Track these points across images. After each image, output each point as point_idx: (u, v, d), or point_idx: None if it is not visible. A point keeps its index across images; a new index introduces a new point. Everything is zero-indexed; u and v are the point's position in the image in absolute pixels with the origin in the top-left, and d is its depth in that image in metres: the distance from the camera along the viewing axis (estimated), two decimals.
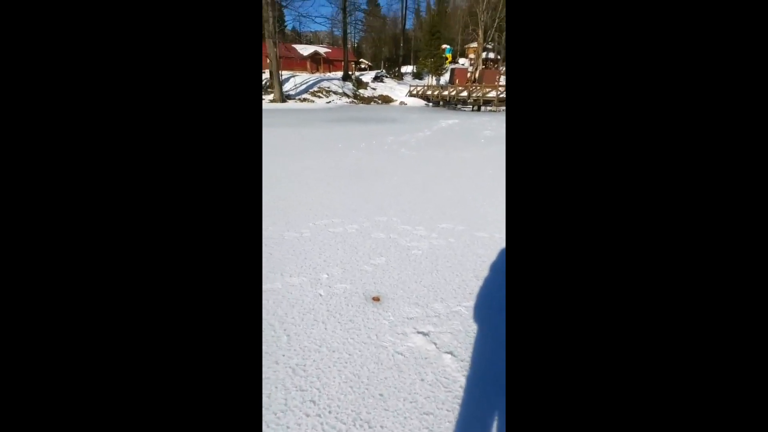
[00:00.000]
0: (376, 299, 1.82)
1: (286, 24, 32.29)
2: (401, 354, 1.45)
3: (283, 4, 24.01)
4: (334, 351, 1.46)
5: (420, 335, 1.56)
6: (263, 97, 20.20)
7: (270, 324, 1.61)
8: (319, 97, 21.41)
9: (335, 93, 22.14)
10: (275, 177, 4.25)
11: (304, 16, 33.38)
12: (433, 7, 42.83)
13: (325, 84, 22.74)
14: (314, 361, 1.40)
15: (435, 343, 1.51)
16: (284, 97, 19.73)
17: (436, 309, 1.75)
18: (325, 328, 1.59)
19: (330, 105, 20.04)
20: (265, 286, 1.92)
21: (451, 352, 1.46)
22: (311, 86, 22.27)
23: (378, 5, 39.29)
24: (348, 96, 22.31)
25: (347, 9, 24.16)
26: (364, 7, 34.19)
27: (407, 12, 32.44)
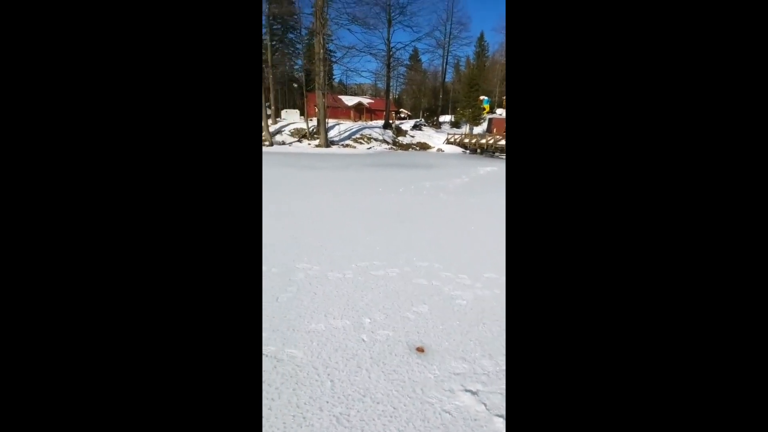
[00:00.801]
0: (420, 350, 1.76)
1: (334, 77, 35.27)
2: (449, 413, 1.37)
3: (333, 59, 26.40)
4: (378, 402, 1.41)
5: (468, 394, 1.47)
6: (309, 142, 21.63)
7: (314, 367, 1.60)
8: (360, 143, 22.57)
9: (376, 140, 23.25)
10: (318, 216, 4.42)
11: (352, 71, 36.43)
12: (472, 61, 45.07)
13: (366, 131, 24.04)
14: (358, 411, 1.36)
15: (485, 404, 1.42)
16: (329, 143, 20.99)
17: (484, 366, 1.66)
18: (369, 377, 1.55)
19: (370, 151, 20.99)
20: (309, 327, 1.93)
21: (502, 416, 1.36)
22: (354, 133, 23.62)
23: (419, 60, 42.03)
24: (387, 143, 23.31)
25: (391, 64, 26.06)
26: (406, 62, 36.72)
27: (447, 66, 34.36)
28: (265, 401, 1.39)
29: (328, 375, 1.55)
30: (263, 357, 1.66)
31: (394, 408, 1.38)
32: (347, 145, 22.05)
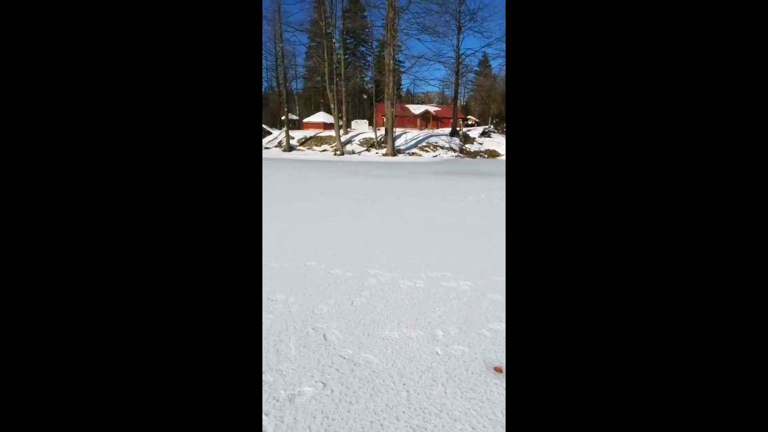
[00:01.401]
0: (499, 370, 1.67)
1: (402, 87, 35.97)
2: None
3: (402, 70, 26.93)
4: (456, 420, 1.36)
5: None
6: (376, 151, 22.26)
7: (390, 375, 1.61)
8: (426, 151, 22.58)
9: (442, 148, 23.06)
10: (386, 223, 4.49)
11: (420, 80, 36.91)
12: None
13: (433, 139, 23.99)
14: (435, 426, 1.33)
15: None
16: (395, 151, 21.37)
17: None
18: (445, 392, 1.52)
19: (436, 159, 20.87)
20: (383, 333, 1.96)
21: None
22: (420, 141, 23.73)
23: (489, 66, 40.83)
24: (454, 150, 22.96)
25: (460, 71, 25.73)
26: (476, 68, 35.93)
27: None
28: (343, 404, 1.44)
29: (404, 385, 1.55)
30: (341, 359, 1.73)
31: (473, 428, 1.33)
32: (413, 154, 22.21)
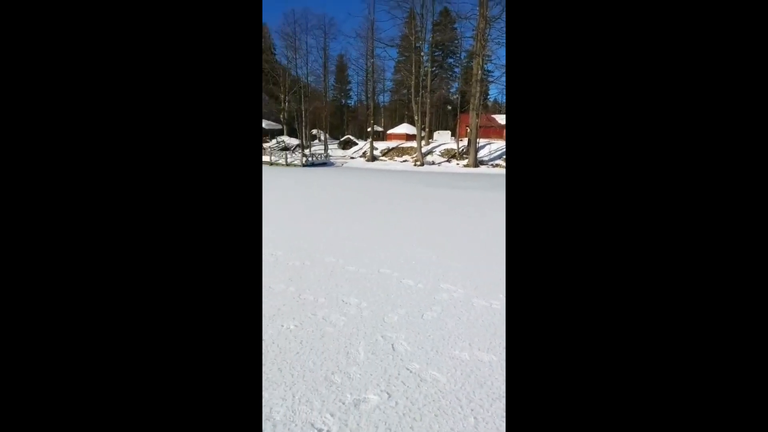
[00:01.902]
0: None
1: (489, 97, 34.81)
2: None
3: (491, 80, 26.08)
4: None
5: None
6: (457, 162, 21.86)
7: (457, 398, 1.53)
8: None
9: None
10: (460, 236, 4.34)
11: None
12: None
13: None
14: None
15: None
16: (477, 163, 20.72)
17: None
18: None
19: None
20: (453, 353, 1.88)
21: None
22: (505, 153, 22.61)
23: None
24: None
25: None
26: None
27: None
28: (407, 419, 1.41)
29: (472, 410, 1.46)
30: (408, 372, 1.70)
31: None
32: (497, 165, 21.23)
